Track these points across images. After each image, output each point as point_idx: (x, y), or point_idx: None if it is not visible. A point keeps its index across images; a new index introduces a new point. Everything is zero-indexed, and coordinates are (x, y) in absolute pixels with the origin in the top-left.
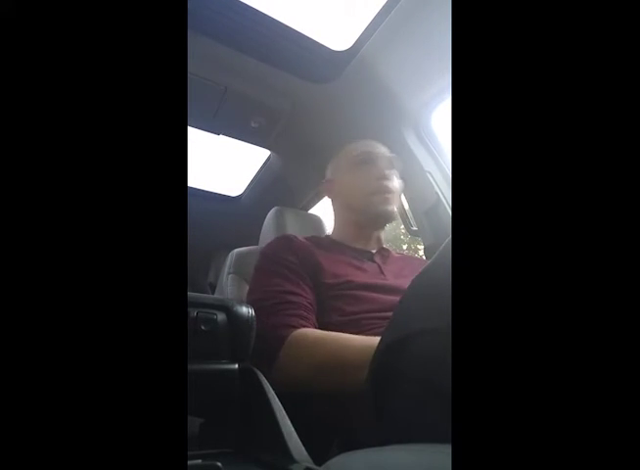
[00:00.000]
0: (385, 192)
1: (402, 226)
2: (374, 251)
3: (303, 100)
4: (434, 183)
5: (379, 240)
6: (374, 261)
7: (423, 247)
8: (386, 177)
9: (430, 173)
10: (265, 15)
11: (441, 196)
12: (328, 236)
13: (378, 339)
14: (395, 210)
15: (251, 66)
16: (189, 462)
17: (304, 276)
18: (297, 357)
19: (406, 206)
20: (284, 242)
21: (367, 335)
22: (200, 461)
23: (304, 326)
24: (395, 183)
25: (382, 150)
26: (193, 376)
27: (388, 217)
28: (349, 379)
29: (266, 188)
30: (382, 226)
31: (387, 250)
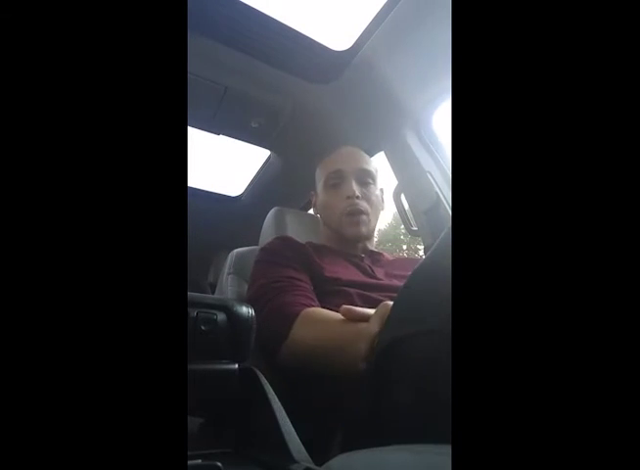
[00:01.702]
0: (352, 214)
1: (402, 226)
2: (363, 255)
3: (303, 100)
4: (434, 183)
5: (365, 248)
6: (365, 263)
7: (423, 247)
8: (354, 197)
9: (430, 173)
10: (265, 15)
11: (441, 196)
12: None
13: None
14: (366, 229)
15: (251, 66)
16: (189, 462)
17: (302, 269)
18: (310, 332)
19: (406, 206)
20: (281, 241)
21: None
22: (200, 461)
23: (313, 305)
24: (369, 200)
25: (355, 165)
26: (193, 376)
27: (358, 239)
28: (352, 355)
29: (266, 188)
30: (357, 242)
31: (378, 253)
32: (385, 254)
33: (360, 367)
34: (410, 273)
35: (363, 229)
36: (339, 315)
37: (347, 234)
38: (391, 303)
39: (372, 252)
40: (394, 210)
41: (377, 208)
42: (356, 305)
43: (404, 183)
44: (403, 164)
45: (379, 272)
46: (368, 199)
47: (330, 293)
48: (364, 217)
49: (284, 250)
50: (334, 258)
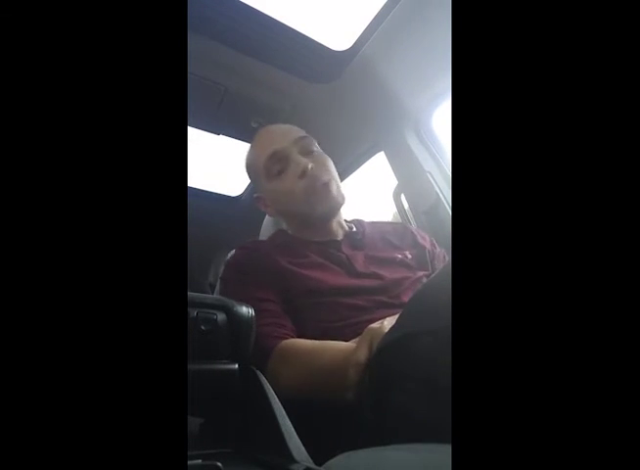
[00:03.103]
0: (313, 189)
1: None
2: (340, 238)
3: (303, 100)
4: (433, 183)
5: (340, 225)
6: (342, 252)
7: None
8: (307, 170)
9: (430, 173)
10: (265, 15)
11: (441, 196)
12: (290, 233)
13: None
14: (333, 199)
15: (251, 66)
16: (189, 462)
17: (271, 284)
18: (287, 370)
19: (406, 206)
20: (243, 253)
21: (348, 341)
22: (200, 461)
23: (286, 335)
24: (324, 165)
25: (289, 138)
26: (193, 376)
27: (330, 211)
28: (343, 390)
29: None
30: (332, 216)
31: (354, 232)
32: (361, 222)
33: (349, 397)
34: (421, 285)
35: (333, 200)
36: (318, 344)
37: (319, 213)
38: (376, 326)
39: (349, 232)
40: (394, 210)
41: (333, 170)
42: (340, 315)
43: (404, 183)
44: (403, 164)
45: (359, 261)
46: (322, 165)
47: (309, 307)
48: (332, 185)
49: (247, 263)
50: (308, 257)
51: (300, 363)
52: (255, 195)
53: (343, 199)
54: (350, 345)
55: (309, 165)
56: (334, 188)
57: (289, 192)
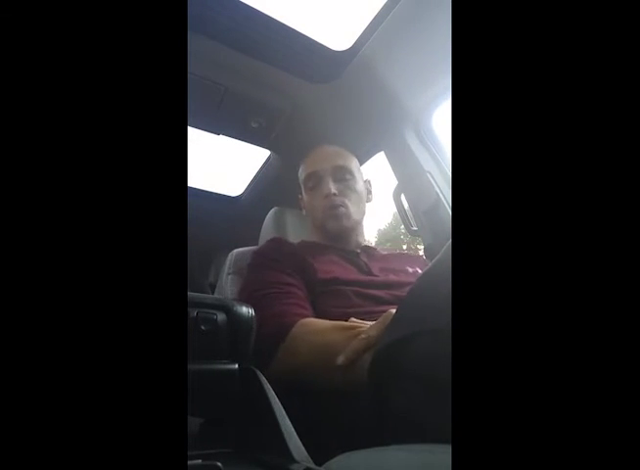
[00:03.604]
0: (331, 208)
1: (402, 226)
2: (359, 250)
3: (303, 100)
4: (433, 183)
5: (357, 241)
6: (360, 259)
7: (423, 247)
8: (331, 195)
9: (430, 173)
10: (265, 15)
11: (441, 196)
12: (315, 241)
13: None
14: (347, 221)
15: (251, 66)
16: (189, 462)
17: (295, 273)
18: (304, 347)
19: (406, 206)
20: (274, 244)
21: None
22: (200, 461)
23: (306, 315)
24: (347, 195)
25: (329, 164)
26: (193, 376)
27: (341, 231)
28: (355, 370)
29: (266, 188)
30: (345, 234)
31: (372, 248)
32: (379, 249)
33: (361, 378)
34: (418, 277)
35: (344, 221)
36: (335, 324)
37: (330, 228)
38: (394, 311)
39: (367, 247)
40: (394, 210)
41: (358, 200)
42: (354, 304)
43: (404, 183)
44: (403, 164)
45: (374, 268)
46: (346, 194)
47: (326, 293)
48: (342, 210)
49: (276, 253)
50: (328, 256)
51: (317, 339)
52: (300, 195)
53: (354, 225)
54: (366, 326)
55: (332, 191)
56: (344, 212)
57: (314, 206)
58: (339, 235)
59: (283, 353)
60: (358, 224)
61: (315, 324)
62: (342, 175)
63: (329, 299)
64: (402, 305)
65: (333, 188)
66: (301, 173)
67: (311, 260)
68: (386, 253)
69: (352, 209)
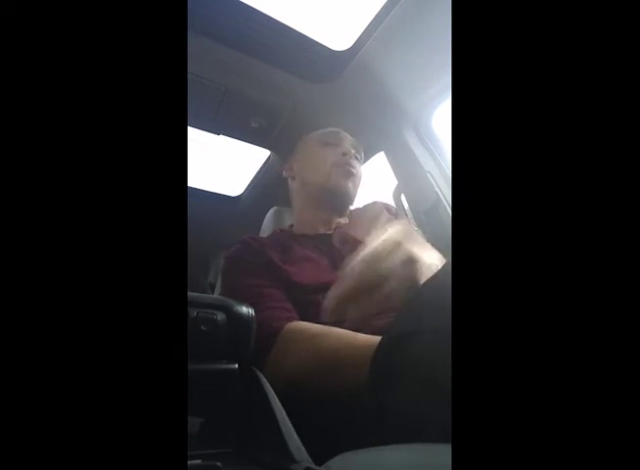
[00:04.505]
0: (347, 165)
1: None
2: (331, 232)
3: (303, 100)
4: (434, 183)
5: (345, 212)
6: (334, 248)
7: None
8: (350, 154)
9: (430, 173)
10: (265, 15)
11: (441, 196)
12: (290, 229)
13: (378, 338)
14: (353, 189)
15: (251, 66)
16: (189, 462)
17: (269, 274)
18: (293, 352)
19: (406, 206)
20: (244, 246)
21: None
22: (200, 461)
23: (292, 317)
24: (358, 165)
25: (350, 136)
26: (193, 376)
27: (345, 193)
28: (349, 377)
29: (266, 188)
30: (339, 206)
31: (343, 224)
32: (348, 217)
33: (357, 382)
34: (423, 283)
35: (350, 185)
36: (325, 327)
37: (339, 184)
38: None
39: (340, 227)
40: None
41: (360, 177)
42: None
43: (404, 183)
44: (403, 164)
45: (349, 251)
46: (358, 166)
47: (303, 303)
48: (354, 171)
49: (248, 256)
50: (301, 251)
51: (308, 346)
52: (286, 165)
53: (353, 198)
54: (366, 335)
55: (354, 153)
56: (354, 180)
57: (323, 161)
58: (336, 197)
59: (271, 363)
60: (355, 197)
61: (303, 331)
62: (357, 148)
63: (309, 308)
64: (406, 304)
65: (353, 154)
66: (315, 133)
67: (280, 263)
68: (357, 216)
69: (358, 179)
